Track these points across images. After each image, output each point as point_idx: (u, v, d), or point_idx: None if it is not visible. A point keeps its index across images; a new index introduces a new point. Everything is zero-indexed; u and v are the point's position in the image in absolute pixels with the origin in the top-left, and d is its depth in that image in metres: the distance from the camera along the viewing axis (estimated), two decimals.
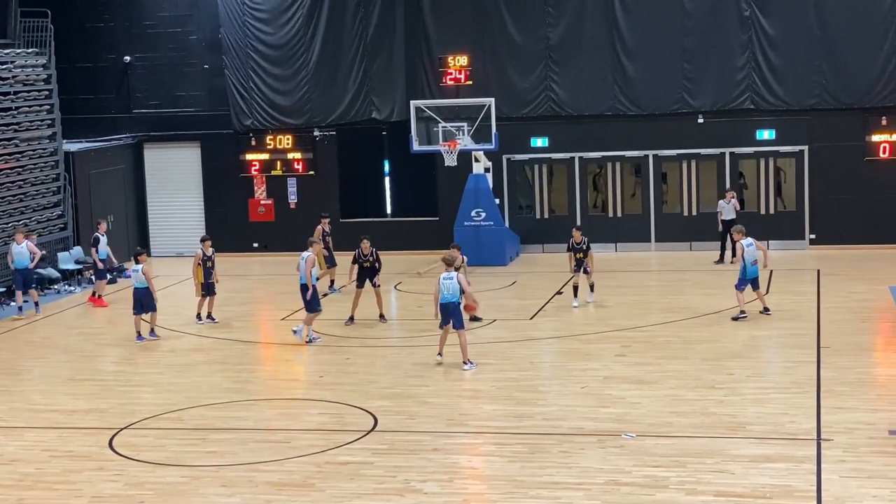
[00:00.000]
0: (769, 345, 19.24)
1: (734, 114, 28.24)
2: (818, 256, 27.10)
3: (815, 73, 27.63)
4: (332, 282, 24.70)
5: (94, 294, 24.76)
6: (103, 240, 24.70)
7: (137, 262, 21.24)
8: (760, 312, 20.71)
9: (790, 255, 27.63)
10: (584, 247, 22.00)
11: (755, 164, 28.53)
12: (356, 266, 21.60)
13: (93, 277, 25.47)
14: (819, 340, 18.87)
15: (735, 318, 20.46)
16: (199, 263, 22.08)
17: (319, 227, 24.63)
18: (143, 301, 20.95)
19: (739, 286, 20.69)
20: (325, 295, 22.70)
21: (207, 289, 22.00)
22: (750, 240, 20.90)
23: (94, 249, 24.66)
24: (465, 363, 17.90)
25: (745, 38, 27.84)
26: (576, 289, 22.32)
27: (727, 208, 26.63)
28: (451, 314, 18.07)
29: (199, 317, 22.10)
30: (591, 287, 22.54)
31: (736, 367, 17.44)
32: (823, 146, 27.93)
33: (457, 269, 18.51)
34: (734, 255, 25.74)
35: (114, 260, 25.65)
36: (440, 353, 18.29)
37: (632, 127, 28.67)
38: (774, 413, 15.04)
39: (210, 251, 22.18)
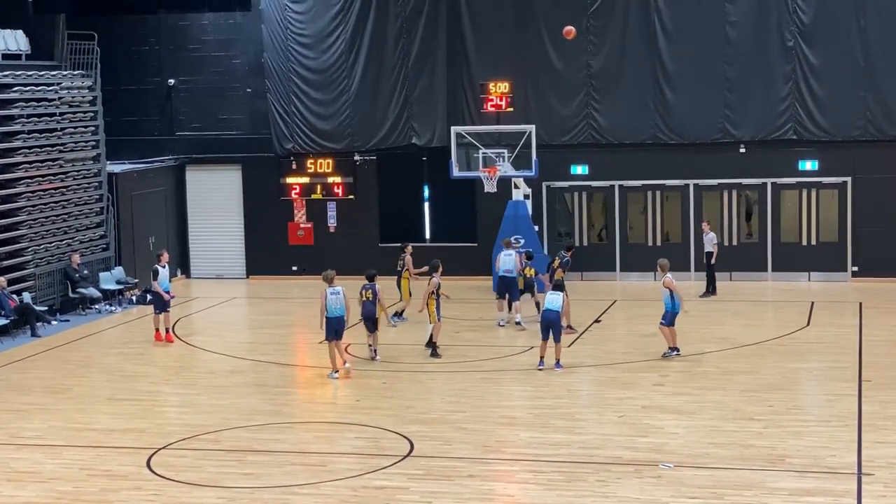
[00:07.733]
0: (809, 377, 19.05)
1: (776, 144, 28.06)
2: (860, 289, 26.80)
3: (859, 104, 27.42)
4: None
5: (158, 331, 22.75)
6: (163, 271, 22.93)
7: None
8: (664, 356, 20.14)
9: (832, 287, 27.36)
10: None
11: (797, 194, 28.33)
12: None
13: (155, 308, 22.86)
14: (860, 374, 18.67)
15: (667, 355, 20.04)
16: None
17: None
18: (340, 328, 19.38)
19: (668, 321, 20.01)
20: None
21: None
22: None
23: (154, 282, 22.74)
24: (333, 372, 19.03)
25: (788, 69, 27.68)
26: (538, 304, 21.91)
27: (706, 240, 26.38)
28: (339, 327, 18.75)
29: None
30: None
31: (775, 399, 17.28)
32: (866, 178, 27.69)
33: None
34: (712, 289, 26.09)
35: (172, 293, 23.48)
36: (336, 371, 19.10)
37: (673, 156, 28.56)
38: (815, 446, 14.88)
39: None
